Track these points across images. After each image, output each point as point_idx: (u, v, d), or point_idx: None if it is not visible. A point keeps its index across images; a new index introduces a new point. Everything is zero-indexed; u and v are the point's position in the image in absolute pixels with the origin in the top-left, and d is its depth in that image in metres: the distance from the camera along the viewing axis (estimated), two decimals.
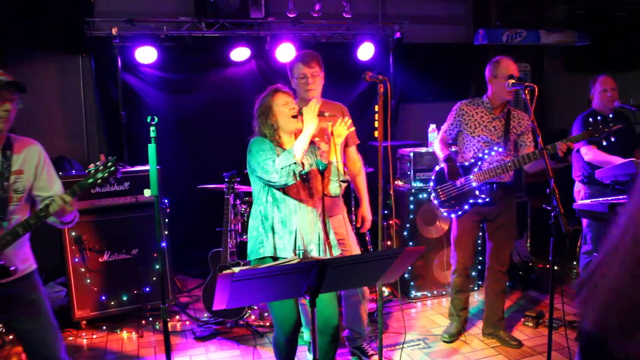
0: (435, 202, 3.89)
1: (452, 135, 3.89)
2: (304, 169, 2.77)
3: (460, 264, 3.92)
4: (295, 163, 2.68)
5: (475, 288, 4.92)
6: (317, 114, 2.78)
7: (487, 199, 3.69)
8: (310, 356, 3.77)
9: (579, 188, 4.35)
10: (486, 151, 3.69)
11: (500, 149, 3.68)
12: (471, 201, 3.72)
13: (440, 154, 3.83)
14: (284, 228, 2.83)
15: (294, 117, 2.86)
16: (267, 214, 2.86)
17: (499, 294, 3.92)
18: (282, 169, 2.68)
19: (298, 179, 2.77)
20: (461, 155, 3.86)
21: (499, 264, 3.87)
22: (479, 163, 3.69)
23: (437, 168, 3.91)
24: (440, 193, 3.84)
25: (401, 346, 3.89)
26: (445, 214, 3.87)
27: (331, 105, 3.64)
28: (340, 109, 3.66)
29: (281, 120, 2.87)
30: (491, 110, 3.75)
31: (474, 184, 3.68)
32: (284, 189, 2.83)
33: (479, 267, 4.02)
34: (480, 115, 3.76)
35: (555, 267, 3.13)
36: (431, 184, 3.92)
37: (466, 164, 3.75)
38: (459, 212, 3.78)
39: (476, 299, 4.76)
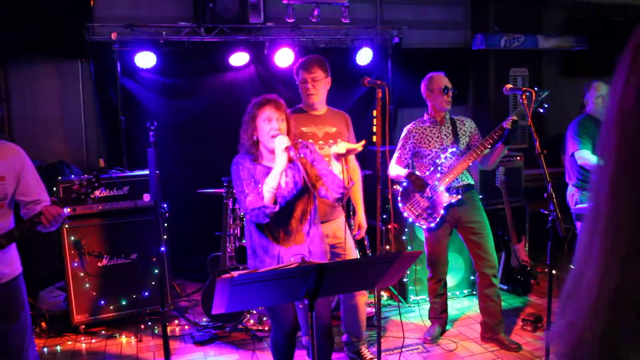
0: (410, 219, 3.96)
1: (407, 159, 4.01)
2: (276, 209, 2.67)
3: (438, 271, 4.06)
4: (263, 206, 2.62)
5: (474, 292, 4.93)
6: (285, 149, 2.63)
7: (460, 197, 3.81)
8: None
9: (572, 192, 4.37)
10: (442, 155, 3.85)
11: (454, 149, 3.85)
12: (445, 204, 3.82)
13: (402, 172, 3.93)
14: (264, 253, 2.82)
15: (273, 137, 2.71)
16: (252, 234, 2.86)
17: (493, 298, 3.93)
18: (252, 210, 2.65)
19: (270, 217, 2.67)
20: (420, 172, 3.96)
21: (490, 267, 3.90)
22: (439, 168, 3.84)
23: (399, 188, 4.05)
24: (412, 209, 3.92)
25: (399, 350, 3.89)
26: (424, 226, 3.92)
27: (334, 113, 3.66)
28: (344, 118, 3.68)
29: (261, 135, 2.78)
30: (436, 123, 3.93)
31: (441, 188, 3.80)
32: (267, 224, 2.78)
33: (476, 271, 4.03)
34: (430, 130, 3.94)
35: (554, 271, 3.14)
36: (399, 204, 3.98)
37: (427, 173, 3.89)
38: (437, 219, 3.85)
39: (475, 302, 4.76)
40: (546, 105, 3.47)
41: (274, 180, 2.64)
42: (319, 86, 3.48)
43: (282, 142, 2.64)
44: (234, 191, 2.84)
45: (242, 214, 4.50)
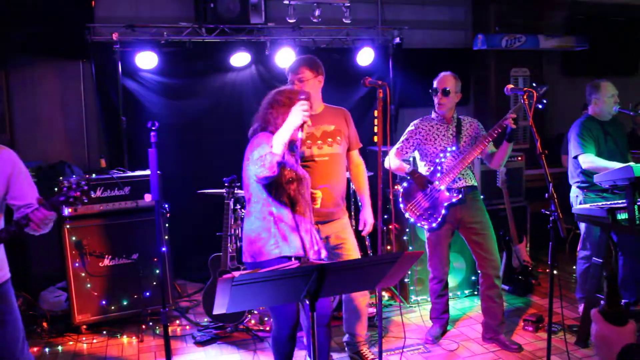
0: (412, 219, 3.96)
1: (407, 153, 4.01)
2: (282, 160, 2.72)
3: (439, 272, 4.06)
4: (270, 153, 2.64)
5: (475, 292, 4.93)
6: (303, 110, 2.74)
7: (461, 196, 3.81)
8: None
9: (576, 193, 4.36)
10: (441, 155, 3.87)
11: (454, 148, 3.86)
12: (445, 204, 3.83)
13: (405, 167, 3.92)
14: (292, 232, 2.86)
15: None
16: (282, 215, 2.87)
17: (495, 299, 3.93)
18: (257, 159, 2.67)
19: (277, 170, 2.68)
20: (421, 170, 3.97)
21: (492, 268, 3.89)
22: (439, 168, 3.85)
23: (400, 188, 4.05)
24: (413, 209, 3.93)
25: (401, 351, 3.89)
26: (426, 226, 3.92)
27: (332, 110, 3.65)
28: (342, 114, 3.67)
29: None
30: (444, 121, 3.95)
31: (442, 187, 3.81)
32: (288, 198, 2.85)
33: (479, 271, 4.04)
34: (437, 128, 3.95)
35: (555, 272, 3.14)
36: (401, 205, 3.99)
37: (427, 173, 3.90)
38: (439, 219, 3.85)
39: (476, 303, 4.77)
40: (545, 101, 3.43)
41: (283, 133, 2.70)
42: (307, 87, 3.44)
43: (304, 103, 2.75)
44: (245, 160, 2.85)
45: (243, 213, 4.50)
